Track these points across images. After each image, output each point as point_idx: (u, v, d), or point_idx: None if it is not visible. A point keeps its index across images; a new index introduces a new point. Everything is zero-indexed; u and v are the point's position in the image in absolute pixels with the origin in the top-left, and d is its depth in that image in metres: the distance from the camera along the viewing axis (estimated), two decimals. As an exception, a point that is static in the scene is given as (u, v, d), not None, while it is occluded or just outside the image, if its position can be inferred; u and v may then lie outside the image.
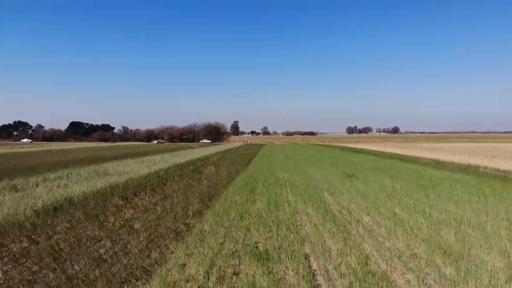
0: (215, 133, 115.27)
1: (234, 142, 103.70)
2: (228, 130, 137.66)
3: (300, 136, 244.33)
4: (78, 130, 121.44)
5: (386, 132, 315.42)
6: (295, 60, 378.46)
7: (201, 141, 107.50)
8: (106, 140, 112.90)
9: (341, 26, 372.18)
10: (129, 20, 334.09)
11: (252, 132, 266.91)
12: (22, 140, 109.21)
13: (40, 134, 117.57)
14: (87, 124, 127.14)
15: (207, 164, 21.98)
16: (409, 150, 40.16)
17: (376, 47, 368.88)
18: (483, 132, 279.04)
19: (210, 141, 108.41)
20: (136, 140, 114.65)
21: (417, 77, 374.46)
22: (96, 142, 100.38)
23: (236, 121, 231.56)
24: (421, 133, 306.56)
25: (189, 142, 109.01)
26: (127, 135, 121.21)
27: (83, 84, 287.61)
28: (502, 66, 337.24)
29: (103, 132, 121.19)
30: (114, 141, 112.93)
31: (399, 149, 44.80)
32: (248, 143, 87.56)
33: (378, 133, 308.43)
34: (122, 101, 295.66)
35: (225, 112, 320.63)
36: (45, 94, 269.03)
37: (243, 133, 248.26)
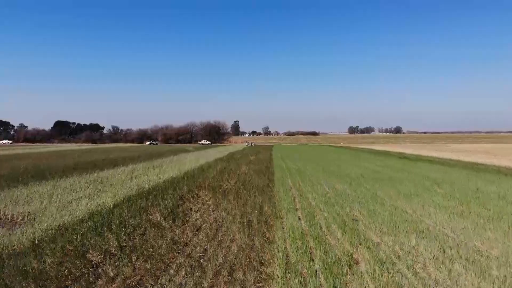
0: (214, 133, 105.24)
1: (236, 143, 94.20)
2: (229, 130, 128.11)
3: (303, 136, 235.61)
4: (64, 130, 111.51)
5: (389, 132, 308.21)
6: (295, 59, 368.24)
7: (200, 142, 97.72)
8: (94, 141, 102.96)
9: (342, 25, 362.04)
10: (123, 17, 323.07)
11: (253, 132, 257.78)
12: (1, 142, 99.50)
13: (22, 135, 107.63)
14: (74, 123, 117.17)
15: (200, 187, 12.64)
16: (466, 155, 30.81)
17: (377, 46, 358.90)
18: (487, 132, 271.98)
19: (209, 142, 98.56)
20: (127, 141, 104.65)
21: (418, 76, 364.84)
22: (80, 144, 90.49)
23: (237, 121, 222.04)
24: (424, 133, 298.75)
25: (186, 143, 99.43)
26: (117, 135, 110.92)
27: (72, 82, 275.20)
28: (505, 65, 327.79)
29: (91, 132, 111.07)
30: (103, 142, 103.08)
31: (451, 153, 35.41)
32: (253, 144, 77.89)
33: (380, 133, 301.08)
34: (116, 100, 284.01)
35: (225, 112, 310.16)
36: (32, 92, 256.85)
37: (243, 133, 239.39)
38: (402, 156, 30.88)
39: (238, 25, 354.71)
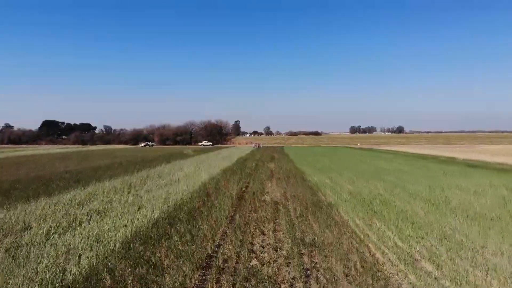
0: (216, 133, 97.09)
1: (239, 145, 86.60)
2: (230, 130, 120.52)
3: (306, 136, 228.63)
4: (52, 131, 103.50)
5: (391, 131, 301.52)
6: (296, 59, 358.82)
7: (200, 144, 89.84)
8: (84, 142, 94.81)
9: (344, 25, 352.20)
10: (118, 15, 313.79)
11: (254, 133, 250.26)
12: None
13: (6, 136, 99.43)
14: (63, 123, 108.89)
15: (207, 267, 5.18)
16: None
17: (377, 46, 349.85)
18: (489, 132, 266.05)
19: (210, 143, 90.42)
20: (120, 142, 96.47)
21: (421, 76, 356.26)
22: (63, 146, 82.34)
23: (237, 121, 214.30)
24: (427, 132, 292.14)
25: (185, 144, 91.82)
26: (109, 136, 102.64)
27: (63, 80, 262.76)
28: (507, 64, 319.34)
29: (81, 132, 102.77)
30: (93, 143, 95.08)
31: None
32: (261, 146, 70.01)
33: (382, 133, 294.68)
34: (110, 99, 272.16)
35: (224, 112, 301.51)
36: (20, 91, 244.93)
37: (244, 133, 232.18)
38: (468, 164, 23.43)
39: (237, 24, 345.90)
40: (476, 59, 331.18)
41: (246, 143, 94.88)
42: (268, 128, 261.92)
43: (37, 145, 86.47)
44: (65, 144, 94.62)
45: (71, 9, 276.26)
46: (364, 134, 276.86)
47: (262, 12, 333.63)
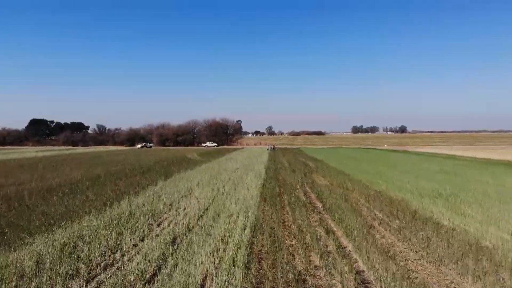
0: (221, 133, 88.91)
1: (248, 146, 78.55)
2: (231, 130, 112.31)
3: (309, 136, 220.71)
4: (40, 130, 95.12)
5: (393, 131, 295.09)
6: (297, 58, 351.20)
7: (204, 145, 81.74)
8: (74, 143, 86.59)
9: (345, 25, 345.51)
10: (118, 13, 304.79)
11: (257, 132, 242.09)
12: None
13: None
14: (52, 122, 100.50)
15: None
16: None
17: (379, 46, 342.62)
18: (493, 131, 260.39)
19: (215, 144, 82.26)
20: (115, 143, 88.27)
21: (422, 76, 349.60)
22: (51, 147, 73.71)
23: (239, 121, 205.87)
24: (430, 132, 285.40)
25: (187, 145, 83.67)
26: (103, 136, 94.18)
27: (55, 77, 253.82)
28: (509, 64, 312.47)
29: (72, 132, 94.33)
30: (85, 144, 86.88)
31: None
32: (276, 148, 62.02)
33: (385, 133, 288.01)
34: (104, 97, 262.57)
35: (225, 112, 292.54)
36: (10, 90, 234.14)
37: (246, 133, 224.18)
38: None
39: (237, 24, 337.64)
40: (476, 59, 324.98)
41: (255, 144, 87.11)
42: (270, 128, 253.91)
43: (19, 147, 78.27)
44: (53, 145, 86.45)
45: (71, 9, 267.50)
46: (367, 134, 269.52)
47: (262, 12, 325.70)
